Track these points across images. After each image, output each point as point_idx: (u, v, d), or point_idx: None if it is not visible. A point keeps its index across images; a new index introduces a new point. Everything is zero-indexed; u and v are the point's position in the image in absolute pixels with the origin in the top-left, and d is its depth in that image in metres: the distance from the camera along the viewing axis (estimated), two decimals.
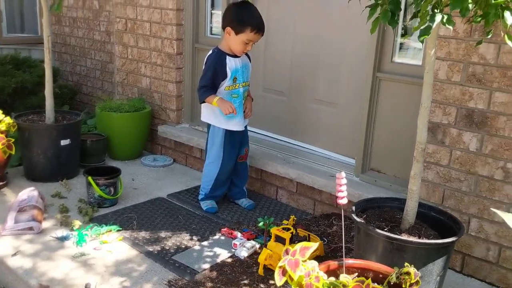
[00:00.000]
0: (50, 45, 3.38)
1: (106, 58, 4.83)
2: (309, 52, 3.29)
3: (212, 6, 3.79)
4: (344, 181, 1.78)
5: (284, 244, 2.39)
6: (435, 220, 2.32)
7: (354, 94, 3.10)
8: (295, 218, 2.94)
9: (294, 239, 2.46)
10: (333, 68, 3.19)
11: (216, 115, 2.98)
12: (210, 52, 2.99)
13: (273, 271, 2.28)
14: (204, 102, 2.98)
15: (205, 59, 2.99)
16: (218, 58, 2.92)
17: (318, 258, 2.54)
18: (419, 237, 2.15)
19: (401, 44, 2.87)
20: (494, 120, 2.40)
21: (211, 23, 3.82)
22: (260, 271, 2.45)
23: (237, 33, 2.85)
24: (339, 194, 1.78)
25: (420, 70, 2.75)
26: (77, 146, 3.55)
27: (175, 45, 3.83)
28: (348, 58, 3.11)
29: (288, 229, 2.47)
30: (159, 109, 4.07)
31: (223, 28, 2.92)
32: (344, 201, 1.79)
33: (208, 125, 3.07)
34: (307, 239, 2.61)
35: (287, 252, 1.74)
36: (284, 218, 3.10)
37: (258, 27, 2.86)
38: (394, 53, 2.87)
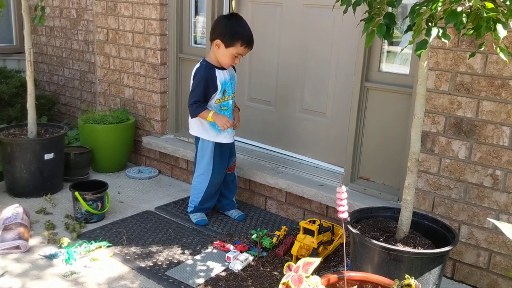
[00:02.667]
0: (31, 58, 3.31)
1: (84, 67, 4.75)
2: (295, 62, 3.30)
3: (196, 14, 3.77)
4: (345, 195, 1.78)
5: (312, 235, 2.60)
6: (428, 228, 2.35)
7: (342, 103, 3.13)
8: (287, 229, 2.96)
9: (320, 230, 2.65)
10: (320, 78, 3.21)
11: (205, 128, 2.95)
12: (198, 65, 2.95)
13: None
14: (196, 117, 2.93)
15: (194, 73, 2.94)
16: (208, 71, 2.89)
17: (342, 245, 2.80)
18: (415, 247, 2.17)
19: (388, 52, 2.90)
20: (482, 128, 2.44)
21: (195, 33, 3.80)
22: (294, 262, 2.55)
23: (226, 46, 2.83)
24: (340, 209, 1.78)
25: (408, 79, 2.80)
26: (61, 160, 3.47)
27: (159, 55, 3.79)
28: (335, 68, 3.13)
29: (314, 222, 2.65)
30: (143, 120, 4.02)
31: (212, 40, 2.89)
32: (345, 215, 1.79)
33: (197, 138, 3.05)
34: (331, 229, 2.75)
35: (289, 268, 1.73)
36: (274, 228, 3.10)
37: (248, 41, 2.84)
38: (381, 62, 2.90)
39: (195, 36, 3.82)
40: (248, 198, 3.46)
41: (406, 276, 1.81)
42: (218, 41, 2.84)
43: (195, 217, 3.09)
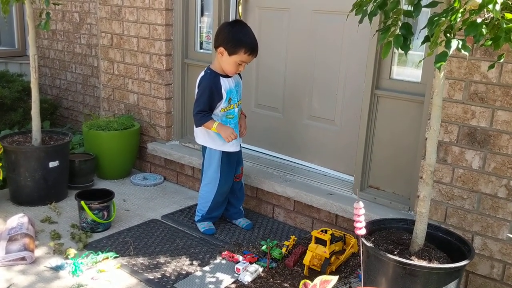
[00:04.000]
0: (36, 64, 3.26)
1: (87, 71, 4.71)
2: (303, 68, 3.25)
3: (201, 19, 3.72)
4: (362, 211, 1.74)
5: (324, 245, 2.58)
6: (442, 240, 2.31)
7: (351, 110, 3.08)
8: (296, 238, 2.91)
9: (332, 240, 2.63)
10: (329, 84, 3.16)
11: (212, 137, 2.91)
12: (203, 74, 2.90)
13: (315, 271, 2.60)
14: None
15: (198, 81, 2.89)
16: (213, 80, 2.83)
17: (353, 254, 2.81)
18: (430, 260, 2.13)
19: (398, 60, 2.86)
20: (496, 138, 2.40)
21: (200, 38, 3.75)
22: (306, 272, 2.63)
23: (230, 54, 2.77)
24: (357, 225, 1.75)
25: (419, 87, 2.76)
26: (65, 168, 3.43)
27: (164, 61, 3.74)
28: (345, 74, 3.08)
29: (326, 231, 2.64)
30: (148, 126, 3.97)
31: (215, 47, 2.84)
32: (362, 231, 1.75)
33: (204, 147, 3.00)
34: (342, 239, 2.73)
35: (306, 286, 1.69)
36: (282, 237, 3.05)
37: (252, 48, 2.79)
38: (392, 70, 2.85)
39: (201, 42, 3.77)
40: (255, 206, 3.42)
41: None
42: (221, 49, 2.79)
43: (202, 226, 3.04)
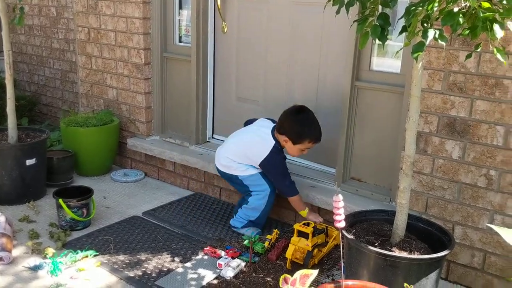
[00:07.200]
0: (11, 60, 3.18)
1: (66, 67, 4.63)
2: (284, 61, 3.22)
3: (180, 11, 3.66)
4: (341, 204, 1.72)
5: (307, 238, 2.57)
6: (423, 231, 2.31)
7: (332, 103, 3.07)
8: (278, 232, 2.90)
9: (315, 232, 2.62)
10: (309, 76, 3.14)
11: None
12: (271, 148, 2.84)
13: (298, 264, 2.58)
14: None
15: (267, 155, 2.83)
16: (280, 153, 2.89)
17: (336, 246, 2.79)
18: (410, 251, 2.13)
19: (378, 50, 2.85)
20: (476, 128, 2.41)
21: (179, 31, 3.70)
22: (288, 265, 2.61)
23: (294, 143, 2.81)
24: (337, 218, 1.73)
25: (399, 78, 2.75)
26: (43, 165, 3.36)
27: (142, 55, 3.69)
28: (325, 66, 3.06)
29: (308, 224, 2.63)
30: (127, 121, 3.91)
31: (280, 133, 2.84)
32: (342, 224, 1.73)
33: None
34: (325, 231, 2.72)
35: (286, 281, 1.67)
36: (265, 230, 3.03)
37: (316, 138, 2.83)
38: (371, 61, 2.84)
39: (180, 35, 3.72)
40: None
41: (405, 285, 1.76)
42: (285, 138, 2.82)
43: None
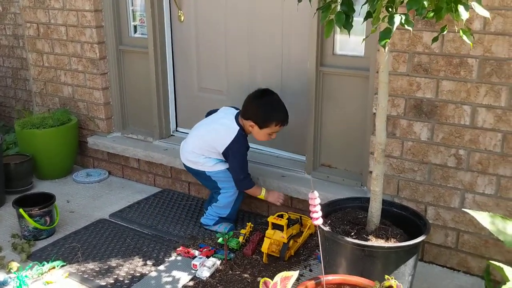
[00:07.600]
0: None
1: (16, 64, 4.41)
2: (244, 47, 3.13)
3: (133, 1, 3.51)
4: (318, 201, 1.68)
5: (281, 230, 2.53)
6: (397, 216, 2.30)
7: (298, 89, 3.00)
8: (252, 225, 2.84)
9: (289, 224, 2.59)
10: (272, 62, 3.07)
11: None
12: (236, 134, 2.76)
13: (274, 257, 2.55)
14: None
15: (230, 142, 2.75)
16: (244, 140, 2.81)
17: (311, 235, 2.77)
18: (387, 239, 2.11)
19: (341, 34, 2.79)
20: (443, 109, 2.39)
21: (134, 22, 3.55)
22: (265, 259, 2.57)
23: (261, 127, 2.74)
24: (314, 215, 1.68)
25: (363, 61, 2.71)
26: (0, 172, 3.18)
27: (97, 49, 3.52)
28: (289, 53, 2.99)
29: (282, 216, 2.59)
30: (86, 119, 3.75)
31: (245, 118, 2.77)
32: (319, 221, 1.69)
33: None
34: (299, 221, 2.70)
35: (266, 285, 1.62)
36: (238, 223, 2.98)
37: (283, 120, 2.76)
38: (335, 45, 2.79)
39: (134, 26, 3.57)
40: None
41: (386, 276, 1.74)
42: (251, 123, 2.73)
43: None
